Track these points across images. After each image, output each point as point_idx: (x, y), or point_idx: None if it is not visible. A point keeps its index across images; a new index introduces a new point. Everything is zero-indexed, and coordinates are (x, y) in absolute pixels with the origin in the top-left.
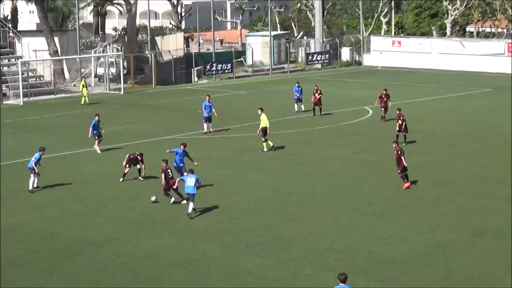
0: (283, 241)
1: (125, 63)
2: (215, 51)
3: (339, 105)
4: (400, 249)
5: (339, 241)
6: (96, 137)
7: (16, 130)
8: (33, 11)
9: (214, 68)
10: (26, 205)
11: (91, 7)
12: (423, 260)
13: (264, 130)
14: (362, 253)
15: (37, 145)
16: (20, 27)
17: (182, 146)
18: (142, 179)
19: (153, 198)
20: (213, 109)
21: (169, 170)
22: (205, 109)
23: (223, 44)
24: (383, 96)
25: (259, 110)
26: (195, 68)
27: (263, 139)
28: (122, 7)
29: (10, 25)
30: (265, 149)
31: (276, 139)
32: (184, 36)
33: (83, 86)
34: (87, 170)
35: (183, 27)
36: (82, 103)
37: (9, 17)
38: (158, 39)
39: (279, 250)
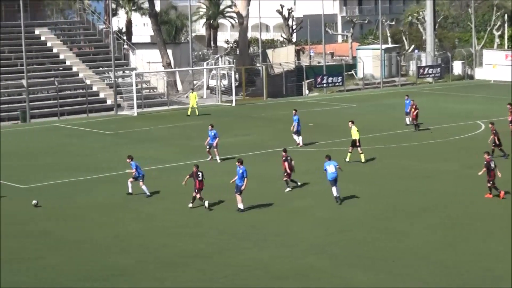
0: (392, 255)
1: (236, 76)
2: (326, 64)
3: (450, 119)
4: None
5: (449, 257)
6: (208, 148)
7: (130, 140)
8: (147, 24)
9: (324, 81)
10: (138, 215)
11: (203, 20)
12: None
13: (354, 142)
14: (474, 269)
15: (149, 155)
16: (135, 39)
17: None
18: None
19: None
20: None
21: (199, 173)
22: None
23: (334, 57)
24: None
25: (350, 123)
26: (306, 81)
27: (350, 150)
28: (234, 20)
29: (125, 38)
30: (347, 159)
31: (385, 153)
32: (295, 49)
33: (194, 97)
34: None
35: (294, 40)
36: (189, 114)
37: (124, 30)
38: (269, 51)
39: (389, 264)
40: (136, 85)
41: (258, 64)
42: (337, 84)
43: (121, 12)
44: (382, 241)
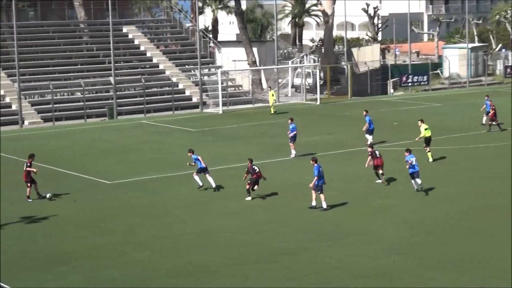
0: (477, 257)
1: (321, 74)
2: (411, 62)
3: None
4: None
5: None
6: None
7: (215, 138)
8: (233, 22)
9: (410, 80)
10: (223, 211)
11: (289, 19)
12: None
13: (427, 140)
14: None
15: (234, 153)
16: (220, 37)
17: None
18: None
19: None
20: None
21: (254, 167)
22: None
23: (419, 56)
24: None
25: (420, 122)
26: (391, 80)
27: (428, 149)
28: (320, 19)
29: (211, 36)
30: (430, 159)
31: (466, 152)
32: (380, 48)
33: (272, 95)
34: (280, 179)
35: (379, 38)
36: (272, 112)
37: (210, 28)
38: (354, 50)
39: (475, 266)
40: (222, 83)
41: (343, 63)
42: (422, 83)
43: (208, 10)
44: (466, 242)
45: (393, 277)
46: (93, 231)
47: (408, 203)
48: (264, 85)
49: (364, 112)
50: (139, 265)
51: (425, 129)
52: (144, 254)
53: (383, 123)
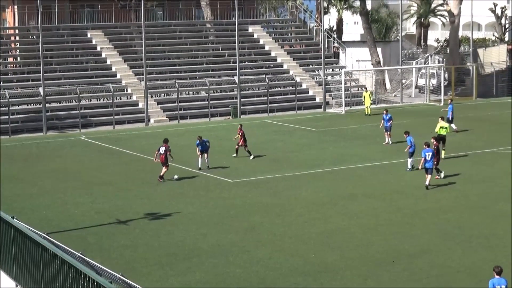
0: None
1: (446, 75)
2: None
3: None
4: None
5: None
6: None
7: (337, 138)
8: (357, 22)
9: None
10: (344, 212)
11: (414, 19)
12: None
13: (440, 138)
14: None
15: (355, 153)
16: (345, 37)
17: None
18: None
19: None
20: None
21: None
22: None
23: None
24: None
25: (440, 119)
26: None
27: (443, 147)
28: (445, 19)
29: (335, 36)
30: (442, 156)
31: None
32: (507, 48)
33: (368, 96)
34: (404, 180)
35: (506, 39)
36: (366, 113)
37: (334, 28)
38: (480, 51)
39: None
40: (345, 83)
41: (468, 64)
42: None
43: (333, 11)
44: None
45: None
46: (216, 229)
47: None
48: (388, 85)
49: (384, 111)
50: (260, 263)
51: (440, 127)
52: (265, 252)
53: (509, 126)
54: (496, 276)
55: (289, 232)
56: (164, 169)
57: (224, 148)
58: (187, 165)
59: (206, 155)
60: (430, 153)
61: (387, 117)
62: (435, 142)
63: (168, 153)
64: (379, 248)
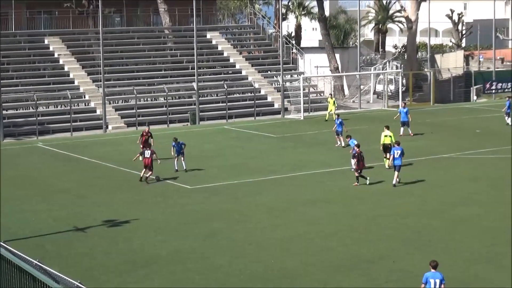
0: None
1: (404, 81)
2: (496, 69)
3: None
4: None
5: None
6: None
7: (296, 144)
8: (316, 28)
9: (493, 87)
10: (303, 218)
11: (372, 25)
12: None
13: (386, 148)
14: None
15: (314, 159)
16: (303, 43)
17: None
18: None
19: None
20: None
21: (361, 154)
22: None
23: (504, 63)
24: None
25: (385, 128)
26: (474, 87)
27: (385, 156)
28: (403, 25)
29: (293, 42)
30: (387, 166)
31: None
32: (464, 54)
33: (333, 103)
34: (363, 185)
35: (463, 45)
36: (327, 119)
37: (293, 34)
38: (437, 57)
39: None
40: (303, 89)
41: (426, 69)
42: (506, 90)
43: (291, 17)
44: None
45: (474, 286)
46: (174, 235)
47: (491, 212)
48: (346, 91)
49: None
50: (220, 269)
51: (385, 136)
52: (224, 259)
53: (466, 131)
54: (432, 270)
55: (249, 238)
56: (149, 172)
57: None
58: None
59: (182, 157)
60: (399, 151)
61: (339, 122)
62: (357, 149)
63: (154, 155)
64: (338, 253)
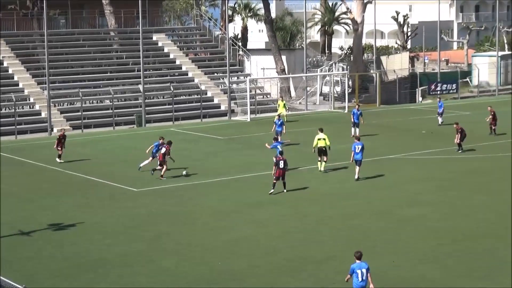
0: (507, 267)
1: (350, 82)
2: (440, 71)
3: None
4: None
5: None
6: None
7: (243, 146)
8: (262, 30)
9: (439, 88)
10: (250, 220)
11: (318, 27)
12: None
13: (321, 151)
14: None
15: (261, 161)
16: (250, 45)
17: None
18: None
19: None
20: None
21: (280, 162)
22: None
23: (449, 64)
24: None
25: (318, 130)
26: (420, 88)
27: (319, 159)
28: (349, 27)
29: (240, 44)
30: (321, 169)
31: (499, 162)
32: (409, 56)
33: (283, 106)
34: (310, 187)
35: (408, 46)
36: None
37: (239, 36)
38: (383, 58)
39: (503, 276)
40: (250, 91)
41: (372, 71)
42: (451, 91)
43: (237, 19)
44: (499, 251)
45: (420, 285)
46: (121, 239)
47: (436, 212)
48: (293, 93)
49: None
50: (166, 272)
51: (318, 139)
52: (171, 261)
53: (412, 132)
54: (357, 261)
55: (195, 241)
56: (159, 167)
57: (128, 157)
58: (91, 175)
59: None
60: (360, 146)
61: (279, 122)
62: (279, 156)
63: (167, 155)
64: (285, 255)
